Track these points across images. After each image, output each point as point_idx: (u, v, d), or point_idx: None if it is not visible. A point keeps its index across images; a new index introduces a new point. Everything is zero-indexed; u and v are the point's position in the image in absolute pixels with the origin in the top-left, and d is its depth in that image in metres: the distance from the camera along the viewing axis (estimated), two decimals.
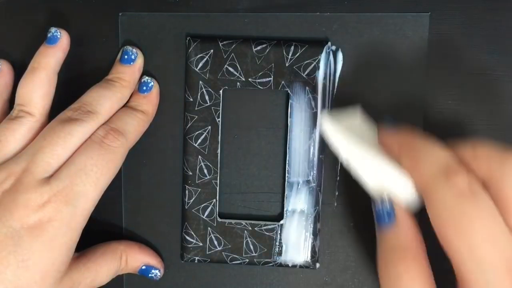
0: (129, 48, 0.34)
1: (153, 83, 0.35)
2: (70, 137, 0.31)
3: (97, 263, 0.33)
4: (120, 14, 0.35)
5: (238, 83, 0.34)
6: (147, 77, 0.35)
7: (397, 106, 0.35)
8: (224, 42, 0.34)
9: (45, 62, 0.33)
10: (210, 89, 0.35)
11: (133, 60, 0.34)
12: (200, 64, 0.34)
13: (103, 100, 0.33)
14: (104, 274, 0.33)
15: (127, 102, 0.34)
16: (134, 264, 0.35)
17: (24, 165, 0.30)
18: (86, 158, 0.31)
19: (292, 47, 0.34)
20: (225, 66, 0.34)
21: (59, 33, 0.34)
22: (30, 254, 0.29)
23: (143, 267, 0.35)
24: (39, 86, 0.33)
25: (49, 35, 0.34)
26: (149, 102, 0.35)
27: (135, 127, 0.33)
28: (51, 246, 0.29)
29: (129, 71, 0.34)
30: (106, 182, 0.31)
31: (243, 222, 0.35)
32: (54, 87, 0.34)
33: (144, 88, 0.35)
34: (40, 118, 0.33)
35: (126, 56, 0.34)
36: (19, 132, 0.32)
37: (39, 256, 0.29)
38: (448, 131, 0.35)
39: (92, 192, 0.31)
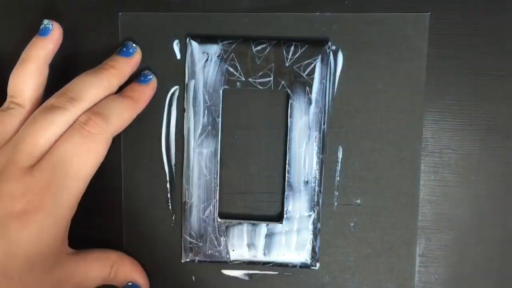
0: (130, 42, 0.35)
1: (152, 77, 0.35)
2: (51, 126, 0.31)
3: (88, 265, 0.33)
4: (120, 14, 0.35)
5: (238, 83, 0.34)
6: (148, 71, 0.35)
7: (397, 107, 0.35)
8: (224, 42, 0.34)
9: (35, 54, 0.33)
10: (210, 89, 0.35)
11: (131, 54, 0.34)
12: (200, 64, 0.34)
13: (88, 87, 0.32)
14: (93, 278, 0.33)
15: (121, 92, 0.34)
16: (122, 278, 0.34)
17: (8, 155, 0.30)
18: (66, 148, 0.30)
19: (292, 47, 0.34)
20: (225, 66, 0.34)
21: (51, 25, 0.34)
22: (17, 243, 0.29)
23: (129, 283, 0.34)
24: (29, 78, 0.33)
25: (41, 26, 0.34)
26: (143, 91, 0.34)
27: (119, 112, 0.32)
28: (38, 236, 0.29)
29: (123, 61, 0.34)
30: (88, 171, 0.31)
31: (243, 222, 0.35)
32: (46, 78, 0.34)
33: (143, 78, 0.34)
34: (30, 109, 0.33)
35: (124, 49, 0.34)
36: (9, 123, 0.32)
37: (26, 245, 0.29)
38: (448, 131, 0.35)
39: (74, 183, 0.31)
